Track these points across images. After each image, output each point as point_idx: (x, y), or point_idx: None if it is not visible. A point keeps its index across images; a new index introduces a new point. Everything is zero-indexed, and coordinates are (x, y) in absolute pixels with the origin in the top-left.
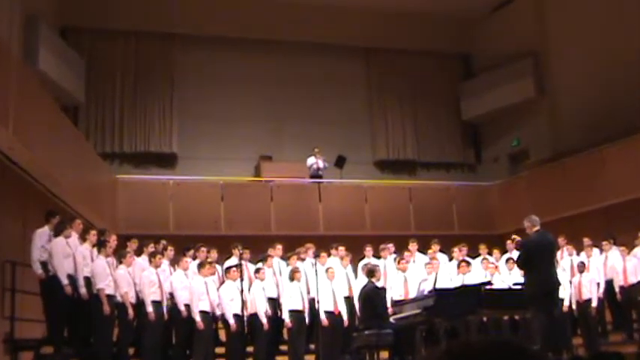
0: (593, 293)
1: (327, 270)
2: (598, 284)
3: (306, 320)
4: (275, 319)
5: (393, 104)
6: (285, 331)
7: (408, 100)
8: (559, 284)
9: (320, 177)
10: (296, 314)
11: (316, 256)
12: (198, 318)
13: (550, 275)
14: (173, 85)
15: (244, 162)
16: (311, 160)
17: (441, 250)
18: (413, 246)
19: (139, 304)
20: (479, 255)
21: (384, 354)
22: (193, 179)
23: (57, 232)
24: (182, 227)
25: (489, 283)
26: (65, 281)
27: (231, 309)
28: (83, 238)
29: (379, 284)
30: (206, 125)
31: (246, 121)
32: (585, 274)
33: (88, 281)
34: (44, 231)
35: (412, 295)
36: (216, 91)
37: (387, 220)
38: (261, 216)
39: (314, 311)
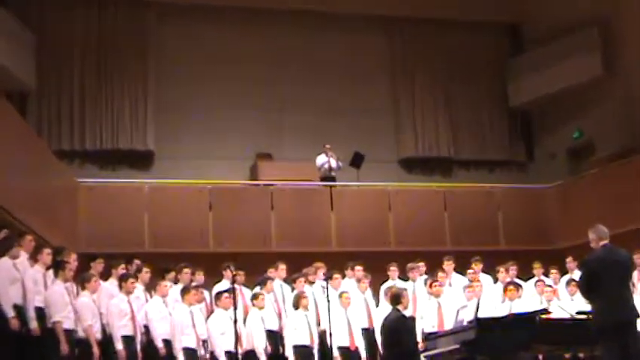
0: None
1: (340, 295)
2: None
3: (315, 358)
4: (276, 356)
5: (423, 89)
6: None
7: (441, 84)
8: (636, 313)
9: (332, 179)
10: (302, 350)
11: (328, 278)
12: (181, 357)
13: (623, 301)
14: (147, 66)
15: (237, 161)
16: (321, 159)
17: (483, 271)
18: (449, 265)
19: (106, 340)
20: (532, 276)
21: None
22: (174, 183)
23: (1, 251)
24: (160, 243)
25: (546, 311)
26: (11, 313)
27: (222, 345)
28: (35, 258)
29: (407, 313)
30: (189, 116)
31: (240, 111)
32: None
33: (41, 312)
34: None
35: (448, 326)
36: (202, 73)
37: (416, 233)
38: (259, 228)
39: (325, 347)
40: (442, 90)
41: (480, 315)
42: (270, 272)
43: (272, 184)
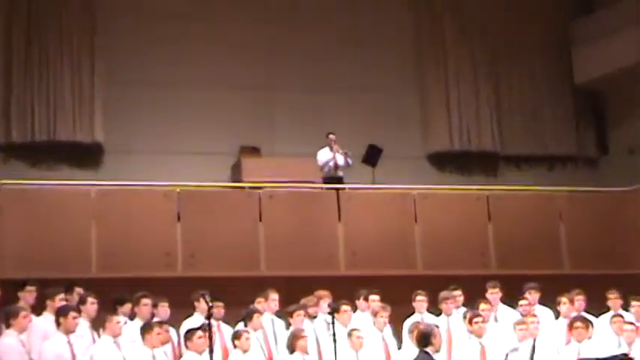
0: None
1: (350, 333)
2: None
3: None
4: None
5: (460, 63)
6: None
7: (483, 57)
8: None
9: (339, 180)
10: None
11: (334, 310)
12: None
13: None
14: (95, 30)
15: (215, 157)
16: (324, 154)
17: (541, 302)
18: (494, 294)
19: None
20: (606, 309)
21: None
22: (131, 186)
23: None
24: (112, 265)
25: (626, 356)
26: None
27: None
28: None
29: (439, 357)
30: (150, 98)
31: (217, 91)
32: None
33: None
34: None
35: None
36: (167, 39)
37: (451, 251)
38: (243, 245)
39: None
40: (484, 65)
41: None
42: (259, 303)
43: (260, 187)
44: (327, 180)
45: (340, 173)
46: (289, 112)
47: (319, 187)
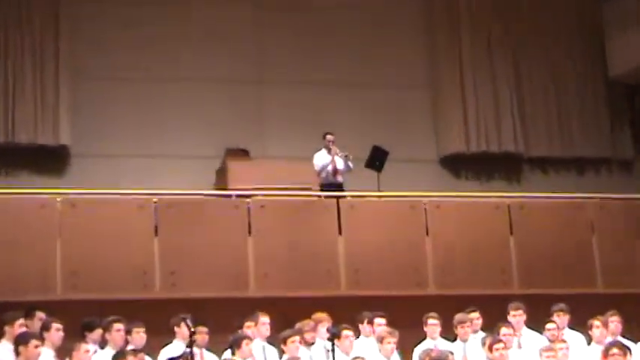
0: None
1: None
2: None
3: None
4: None
5: (477, 55)
6: None
7: (504, 47)
8: None
9: (339, 187)
10: None
11: (334, 336)
12: None
13: None
14: (58, 16)
15: (197, 162)
16: (322, 158)
17: (571, 325)
18: (517, 316)
19: None
20: None
21: None
22: (102, 195)
23: None
24: (79, 286)
25: None
26: None
27: None
28: None
29: None
30: (124, 94)
31: (199, 85)
32: None
33: None
34: None
35: None
36: (142, 28)
37: (468, 268)
38: (231, 262)
39: None
40: (505, 56)
41: None
42: (248, 328)
43: (249, 196)
44: (326, 187)
45: (340, 179)
46: (282, 109)
47: (316, 195)
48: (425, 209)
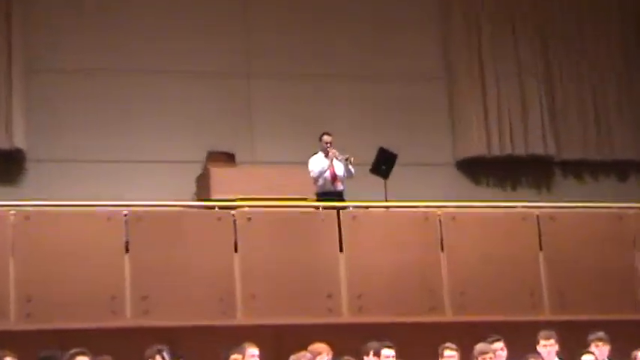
0: None
1: None
2: None
3: None
4: None
5: (500, 45)
6: None
7: (530, 38)
8: None
9: (339, 196)
10: None
11: None
12: None
13: None
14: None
15: (175, 168)
16: (319, 162)
17: (611, 356)
18: (548, 346)
19: None
20: None
21: None
22: (63, 207)
23: None
24: (36, 313)
25: None
26: None
27: None
28: None
29: None
30: (88, 90)
31: (178, 80)
32: None
33: None
34: None
35: None
36: (109, 12)
37: (489, 290)
38: (214, 284)
39: None
40: (532, 43)
41: None
42: None
43: (235, 206)
44: (324, 196)
45: (340, 187)
46: (273, 106)
47: (313, 206)
48: (439, 221)
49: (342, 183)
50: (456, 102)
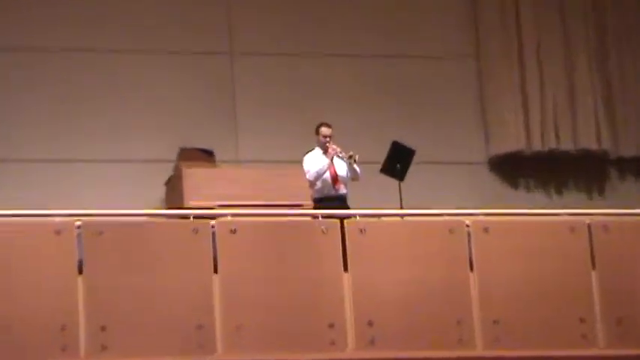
0: None
1: None
2: None
3: None
4: None
5: (543, 22)
6: None
7: (579, 13)
8: None
9: (342, 202)
10: None
11: None
12: None
13: None
14: None
15: (139, 168)
16: (315, 160)
17: None
18: None
19: None
20: None
21: None
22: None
23: None
24: None
25: None
26: None
27: None
28: None
29: None
30: (37, 73)
31: (145, 60)
32: None
33: None
34: None
35: None
36: None
37: (529, 317)
38: (189, 313)
39: None
40: (585, 15)
41: None
42: None
43: (214, 216)
44: (323, 202)
45: (343, 190)
46: (261, 92)
47: (310, 215)
48: (468, 233)
49: (346, 186)
50: (489, 87)
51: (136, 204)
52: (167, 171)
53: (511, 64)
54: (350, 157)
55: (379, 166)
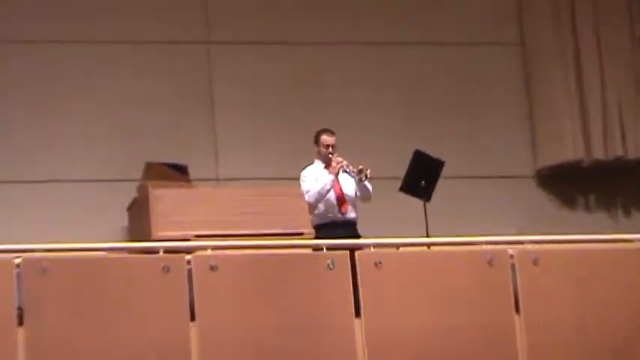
0: None
1: None
2: None
3: None
4: None
5: (600, 10)
6: None
7: None
8: None
9: (351, 228)
10: None
11: None
12: None
13: None
14: None
15: (96, 190)
16: (315, 176)
17: None
18: None
19: None
20: None
21: None
22: None
23: None
24: None
25: None
26: None
27: None
28: None
29: None
30: None
31: (106, 53)
32: None
33: None
34: None
35: None
36: None
37: None
38: None
39: None
40: None
41: None
42: None
43: (190, 249)
44: (326, 229)
45: (352, 214)
46: (247, 93)
47: (312, 246)
48: (513, 266)
49: (355, 208)
50: (537, 84)
51: (90, 235)
52: (129, 193)
53: (564, 59)
54: (360, 171)
55: (398, 184)
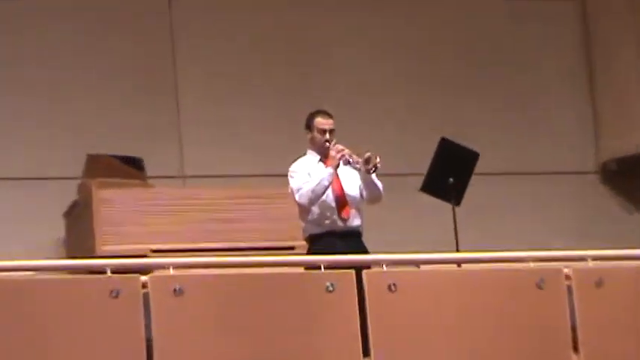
0: None
1: None
2: None
3: None
4: None
5: None
6: None
7: None
8: None
9: (355, 239)
10: None
11: None
12: None
13: None
14: None
15: (24, 191)
16: (307, 170)
17: None
18: None
19: None
20: None
21: None
22: None
23: None
24: None
25: None
26: None
27: None
28: None
29: None
30: None
31: (45, 28)
32: None
33: None
34: None
35: None
36: None
37: None
38: None
39: None
40: None
41: None
42: None
43: (148, 269)
44: (322, 241)
45: (356, 221)
46: (215, 68)
47: (307, 264)
48: (569, 288)
49: (360, 213)
50: (598, 54)
51: (14, 249)
52: (68, 194)
53: (634, 18)
54: (367, 161)
55: (419, 181)
